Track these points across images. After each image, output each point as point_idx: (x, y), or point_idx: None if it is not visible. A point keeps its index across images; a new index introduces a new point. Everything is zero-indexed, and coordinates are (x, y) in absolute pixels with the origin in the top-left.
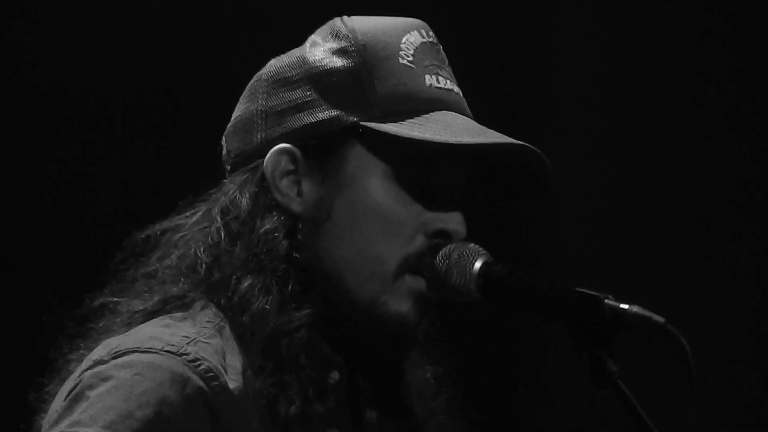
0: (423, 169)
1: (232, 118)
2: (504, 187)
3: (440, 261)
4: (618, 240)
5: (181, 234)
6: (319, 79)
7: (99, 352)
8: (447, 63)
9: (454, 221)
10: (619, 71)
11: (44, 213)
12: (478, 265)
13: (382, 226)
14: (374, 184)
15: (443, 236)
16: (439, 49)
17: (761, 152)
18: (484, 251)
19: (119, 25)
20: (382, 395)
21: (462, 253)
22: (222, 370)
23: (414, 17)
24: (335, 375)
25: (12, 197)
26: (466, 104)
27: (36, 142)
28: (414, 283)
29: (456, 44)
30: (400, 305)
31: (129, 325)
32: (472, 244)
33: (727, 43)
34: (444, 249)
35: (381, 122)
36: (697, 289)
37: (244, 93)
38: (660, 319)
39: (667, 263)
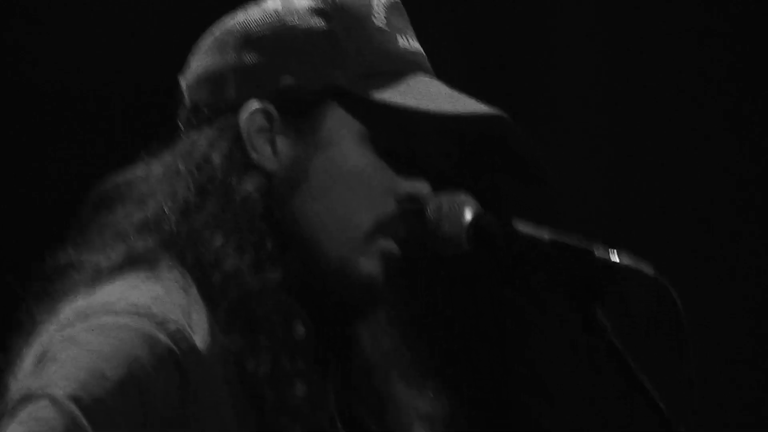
0: (399, 135)
1: (196, 67)
2: (488, 160)
3: (432, 212)
4: (618, 240)
5: (147, 187)
6: (295, 38)
7: (66, 314)
8: (409, 22)
9: (424, 187)
10: (619, 71)
11: (44, 213)
12: (469, 215)
13: (355, 190)
14: (349, 147)
15: (413, 201)
16: (403, 8)
17: (761, 152)
18: (475, 202)
19: (119, 25)
20: (348, 353)
21: (453, 204)
22: (190, 331)
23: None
24: (301, 330)
25: (12, 197)
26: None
27: (36, 142)
28: (386, 246)
29: (456, 44)
30: (370, 267)
31: (94, 283)
32: (463, 195)
33: (727, 43)
34: (435, 200)
35: (359, 86)
36: (697, 289)
37: (209, 42)
38: (651, 271)
39: (666, 263)
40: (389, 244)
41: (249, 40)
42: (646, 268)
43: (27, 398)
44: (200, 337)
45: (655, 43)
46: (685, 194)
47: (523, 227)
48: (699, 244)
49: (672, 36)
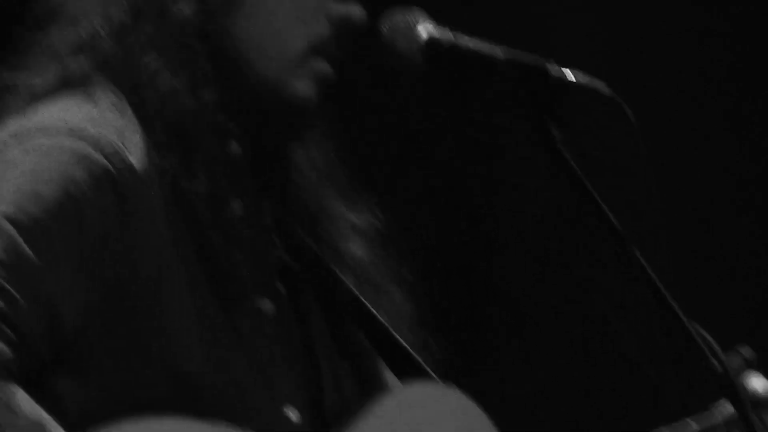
0: None
1: None
2: None
3: (385, 27)
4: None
5: (81, 9)
6: None
7: (0, 136)
8: None
9: (357, 9)
10: (619, 71)
11: None
12: (424, 32)
13: (288, 12)
14: None
15: (346, 23)
16: None
17: (761, 152)
18: (428, 17)
19: None
20: (284, 171)
21: (407, 20)
22: (126, 151)
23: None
24: (237, 149)
25: None
26: None
27: None
28: (319, 67)
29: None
30: (304, 88)
31: (28, 105)
32: (417, 11)
33: (727, 43)
34: (389, 17)
35: None
36: (697, 289)
37: None
38: (606, 90)
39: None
40: (323, 66)
41: None
42: (601, 87)
43: None
44: (136, 158)
45: (655, 43)
46: (685, 194)
47: (477, 44)
48: (699, 244)
49: (672, 36)
